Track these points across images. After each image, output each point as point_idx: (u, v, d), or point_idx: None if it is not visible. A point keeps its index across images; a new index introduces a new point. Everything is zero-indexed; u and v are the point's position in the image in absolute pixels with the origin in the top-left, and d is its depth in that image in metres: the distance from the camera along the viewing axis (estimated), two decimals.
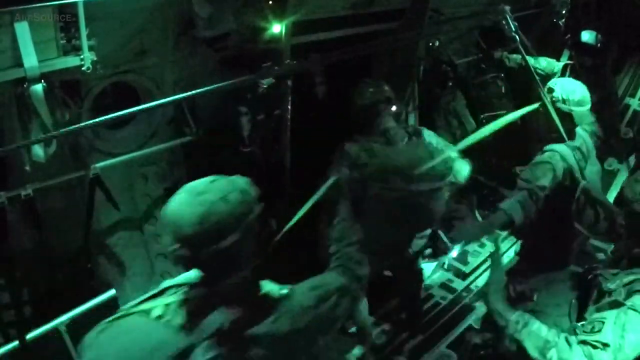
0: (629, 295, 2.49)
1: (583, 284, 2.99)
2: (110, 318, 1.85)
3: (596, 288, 2.77)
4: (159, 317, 1.82)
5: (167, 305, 1.85)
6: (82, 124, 2.80)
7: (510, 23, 3.88)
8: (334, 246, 2.27)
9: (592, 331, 2.41)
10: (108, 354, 1.75)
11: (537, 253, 4.15)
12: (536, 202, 3.65)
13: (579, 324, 2.95)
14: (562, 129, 3.82)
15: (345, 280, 2.16)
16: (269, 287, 1.98)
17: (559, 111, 3.83)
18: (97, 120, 2.74)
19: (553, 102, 3.85)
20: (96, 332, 1.81)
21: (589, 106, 3.89)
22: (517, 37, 3.92)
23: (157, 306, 1.84)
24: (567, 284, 3.61)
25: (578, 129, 3.96)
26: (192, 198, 1.82)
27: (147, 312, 1.84)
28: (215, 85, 3.09)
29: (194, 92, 3.03)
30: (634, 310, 2.40)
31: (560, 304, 3.40)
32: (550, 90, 3.91)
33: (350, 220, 2.32)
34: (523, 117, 4.25)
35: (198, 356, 1.71)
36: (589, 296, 2.87)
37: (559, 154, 3.78)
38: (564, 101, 3.83)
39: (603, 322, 2.41)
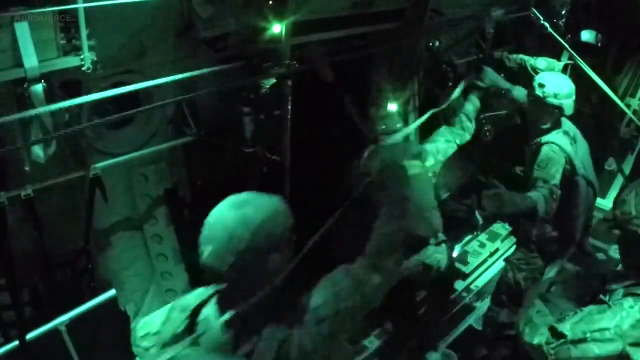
0: (625, 295, 2.52)
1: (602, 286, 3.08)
2: None
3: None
4: None
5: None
6: (82, 124, 2.80)
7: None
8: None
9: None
10: None
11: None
12: (555, 200, 3.81)
13: None
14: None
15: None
16: None
17: (550, 105, 3.96)
18: (97, 120, 2.74)
19: (544, 97, 3.99)
20: None
21: (574, 97, 4.06)
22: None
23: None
24: (586, 283, 3.86)
25: None
26: (242, 214, 1.91)
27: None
28: (216, 86, 3.09)
29: (194, 93, 3.03)
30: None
31: (572, 299, 3.62)
32: (542, 85, 4.04)
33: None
34: (523, 116, 4.24)
35: None
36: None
37: (558, 146, 3.89)
38: (555, 95, 3.99)
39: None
